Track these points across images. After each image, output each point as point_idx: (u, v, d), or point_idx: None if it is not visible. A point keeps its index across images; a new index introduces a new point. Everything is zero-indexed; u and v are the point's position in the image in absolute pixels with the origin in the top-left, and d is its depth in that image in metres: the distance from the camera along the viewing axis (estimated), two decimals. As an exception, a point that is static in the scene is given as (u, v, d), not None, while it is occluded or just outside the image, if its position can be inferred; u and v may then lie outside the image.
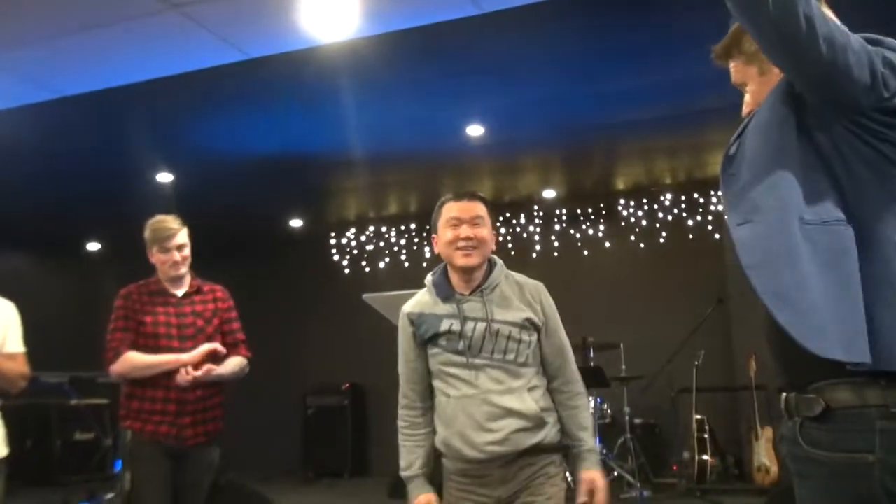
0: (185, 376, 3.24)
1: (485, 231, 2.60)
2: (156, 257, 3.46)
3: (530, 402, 2.52)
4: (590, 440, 2.60)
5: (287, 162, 6.66)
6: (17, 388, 3.34)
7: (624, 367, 6.92)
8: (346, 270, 9.44)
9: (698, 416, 6.79)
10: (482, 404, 2.50)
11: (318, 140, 6.20)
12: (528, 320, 2.58)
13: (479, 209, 2.62)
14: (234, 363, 3.48)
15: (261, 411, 9.13)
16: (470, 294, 2.59)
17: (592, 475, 2.54)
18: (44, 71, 4.18)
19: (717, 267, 7.44)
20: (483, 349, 2.53)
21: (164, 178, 6.97)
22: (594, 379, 6.38)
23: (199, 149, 6.30)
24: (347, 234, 9.47)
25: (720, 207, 7.93)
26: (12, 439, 3.35)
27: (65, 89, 4.45)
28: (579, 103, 5.69)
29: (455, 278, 2.62)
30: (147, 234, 3.47)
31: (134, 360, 3.34)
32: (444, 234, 2.61)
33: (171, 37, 3.83)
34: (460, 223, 2.58)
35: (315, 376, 8.99)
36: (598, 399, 6.68)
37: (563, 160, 7.48)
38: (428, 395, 2.67)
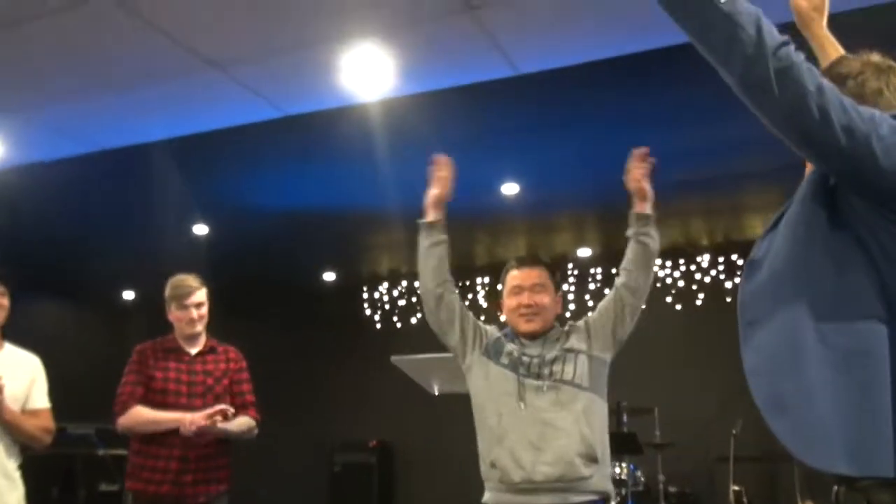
0: (188, 426, 3.23)
1: (546, 298, 2.71)
2: (173, 314, 3.50)
3: (584, 426, 2.50)
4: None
5: (322, 216, 6.68)
6: (42, 444, 3.33)
7: (658, 432, 6.73)
8: (378, 325, 9.39)
9: (736, 487, 6.55)
10: (535, 423, 2.49)
11: (353, 195, 6.22)
12: (581, 350, 2.64)
13: (541, 276, 2.74)
14: (242, 422, 3.47)
15: (287, 466, 9.03)
16: (532, 340, 2.69)
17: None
18: (83, 125, 4.25)
19: (756, 332, 7.23)
20: (541, 374, 2.57)
21: (200, 230, 7.03)
22: (627, 445, 6.21)
23: (234, 203, 6.35)
24: (380, 288, 9.45)
25: (759, 271, 7.79)
26: (38, 489, 3.33)
27: (104, 143, 4.52)
28: (615, 163, 5.61)
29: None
30: (167, 291, 3.53)
31: (140, 414, 3.35)
32: (508, 301, 2.74)
33: (210, 94, 3.87)
34: (522, 291, 2.71)
35: (343, 433, 8.90)
36: (632, 466, 6.49)
37: (598, 219, 7.42)
38: (448, 279, 2.82)
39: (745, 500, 6.48)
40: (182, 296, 3.48)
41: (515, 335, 2.71)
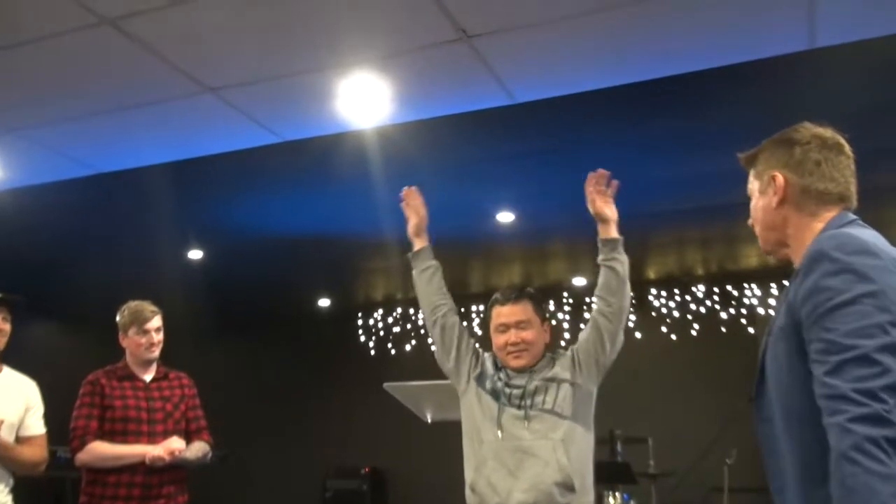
0: (154, 462, 3.30)
1: (532, 333, 2.70)
2: (131, 340, 3.51)
3: (562, 455, 2.49)
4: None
5: (317, 242, 6.68)
6: (36, 473, 3.30)
7: (652, 462, 6.70)
8: (372, 352, 9.36)
9: (730, 518, 6.50)
10: (514, 451, 2.51)
11: (349, 221, 6.23)
12: (565, 379, 2.63)
13: (525, 312, 2.71)
14: (198, 447, 3.52)
15: (279, 492, 8.96)
16: (519, 373, 2.69)
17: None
18: (81, 148, 4.26)
19: (751, 362, 7.24)
20: (522, 403, 2.57)
21: (195, 255, 7.02)
22: (621, 475, 6.17)
23: (229, 228, 6.35)
24: (375, 314, 9.43)
25: (754, 301, 7.79)
26: (26, 512, 3.30)
27: (100, 166, 4.52)
28: (611, 192, 5.66)
29: None
30: (125, 316, 3.54)
31: (100, 450, 3.34)
32: (494, 337, 2.74)
33: (207, 119, 3.88)
34: (507, 329, 2.70)
35: (335, 459, 8.83)
36: (626, 496, 6.44)
37: (593, 248, 7.38)
38: (442, 302, 2.90)
39: (739, 531, 6.43)
40: (143, 320, 3.51)
41: (503, 366, 2.73)
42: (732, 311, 7.93)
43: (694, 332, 8.06)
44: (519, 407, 2.57)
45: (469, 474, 2.61)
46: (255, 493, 9.05)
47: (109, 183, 4.88)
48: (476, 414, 2.65)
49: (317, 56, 3.37)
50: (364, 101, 3.73)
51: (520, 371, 2.68)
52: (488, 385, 2.66)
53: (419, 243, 2.95)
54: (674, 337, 8.11)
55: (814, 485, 1.44)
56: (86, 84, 3.59)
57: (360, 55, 3.36)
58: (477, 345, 2.86)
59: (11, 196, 5.01)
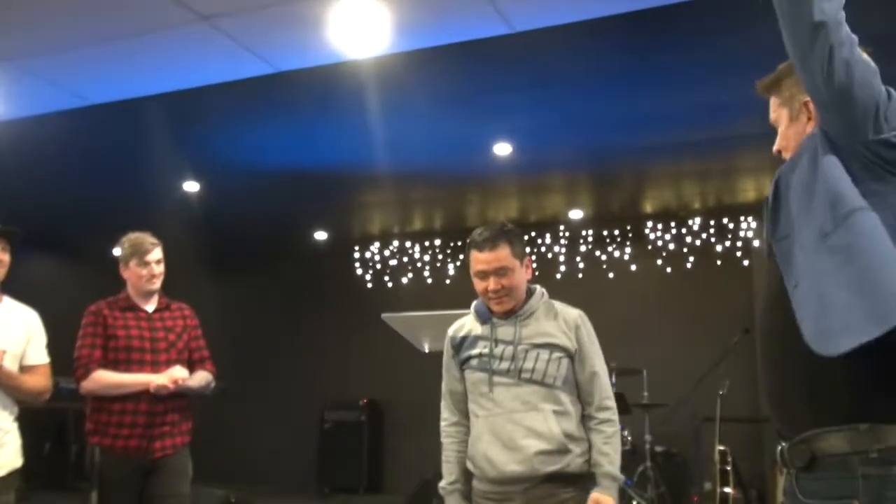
0: (158, 390, 3.37)
1: (513, 278, 2.65)
2: (132, 271, 3.53)
3: (554, 424, 2.53)
4: (606, 465, 2.57)
5: (313, 175, 6.65)
6: (40, 402, 3.34)
7: (646, 393, 6.80)
8: (369, 285, 9.41)
9: (721, 447, 6.63)
10: (507, 423, 2.55)
11: (345, 154, 6.19)
12: (559, 346, 2.62)
13: (503, 257, 2.65)
14: (201, 377, 3.58)
15: (277, 424, 9.11)
16: (505, 319, 2.67)
17: (596, 497, 2.51)
18: (74, 78, 4.20)
19: (745, 295, 7.31)
20: (510, 371, 2.59)
21: (191, 187, 7.00)
22: (615, 405, 6.27)
23: (225, 159, 6.31)
24: (371, 248, 9.45)
25: (749, 234, 7.82)
26: (30, 443, 3.35)
27: (94, 97, 4.47)
28: (609, 124, 5.63)
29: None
30: (125, 248, 3.55)
31: (103, 378, 3.39)
32: (475, 281, 2.70)
33: (202, 48, 3.83)
34: (486, 276, 2.65)
35: (333, 391, 8.96)
36: (619, 425, 6.56)
37: (590, 181, 7.41)
38: (467, 413, 2.75)
39: (729, 459, 6.57)
40: (144, 252, 3.53)
41: (489, 311, 2.72)
42: (728, 243, 7.96)
43: (689, 265, 8.11)
44: (508, 372, 2.59)
45: (469, 448, 2.68)
46: (254, 426, 9.21)
47: (103, 114, 4.83)
48: (471, 389, 2.69)
49: (312, -17, 3.30)
50: (361, 29, 3.67)
51: (505, 317, 2.68)
52: (475, 361, 2.66)
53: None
54: (669, 270, 8.16)
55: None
56: (77, 12, 3.52)
57: (356, -18, 3.30)
58: (450, 340, 2.81)
59: (4, 128, 4.96)
